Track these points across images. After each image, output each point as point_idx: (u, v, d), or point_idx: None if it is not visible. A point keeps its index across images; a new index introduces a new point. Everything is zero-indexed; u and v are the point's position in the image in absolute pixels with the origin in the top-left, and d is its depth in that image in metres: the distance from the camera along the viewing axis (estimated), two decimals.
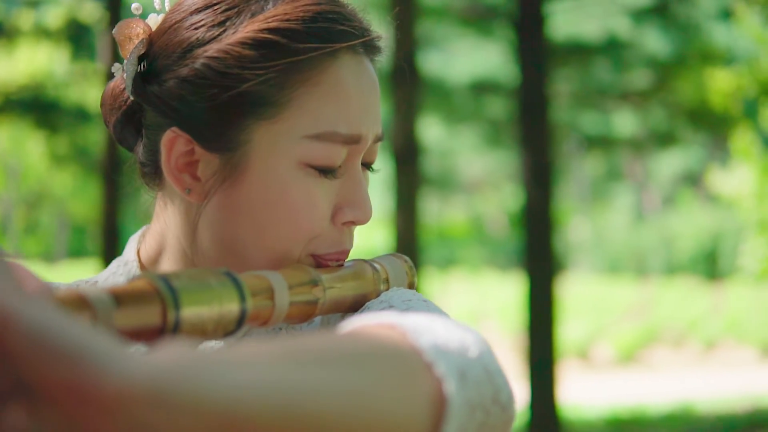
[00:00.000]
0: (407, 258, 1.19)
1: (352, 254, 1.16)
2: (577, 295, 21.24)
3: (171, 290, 0.83)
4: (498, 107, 14.39)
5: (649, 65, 13.49)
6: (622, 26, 13.89)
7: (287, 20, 1.07)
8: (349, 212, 1.12)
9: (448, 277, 25.72)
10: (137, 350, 0.64)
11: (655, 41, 14.46)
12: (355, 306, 1.10)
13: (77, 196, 25.57)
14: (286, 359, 0.71)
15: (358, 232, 1.19)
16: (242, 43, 1.07)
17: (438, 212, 30.02)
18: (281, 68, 1.07)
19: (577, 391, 14.23)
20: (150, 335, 0.82)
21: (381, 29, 1.16)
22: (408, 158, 9.66)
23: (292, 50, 1.07)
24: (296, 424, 0.69)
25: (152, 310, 0.82)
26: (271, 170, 1.07)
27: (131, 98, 1.13)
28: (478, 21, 12.07)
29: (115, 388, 0.60)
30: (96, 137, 13.01)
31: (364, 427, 0.75)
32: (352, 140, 1.10)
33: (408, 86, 9.39)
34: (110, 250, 10.26)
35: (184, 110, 1.09)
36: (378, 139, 1.14)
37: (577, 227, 31.66)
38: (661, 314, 22.05)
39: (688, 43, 13.72)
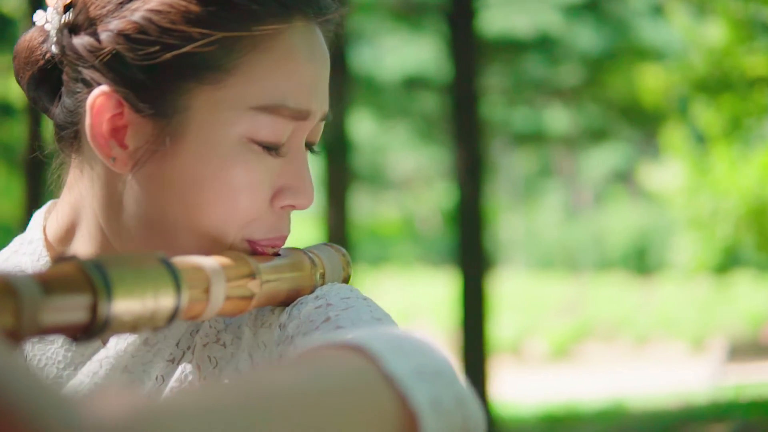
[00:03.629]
0: (344, 250, 1.10)
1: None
2: (510, 292, 21.30)
3: (104, 278, 0.72)
4: (430, 103, 14.34)
5: (581, 61, 13.52)
6: (553, 22, 13.93)
7: None
8: (290, 195, 1.00)
9: (379, 274, 25.68)
10: (77, 400, 0.53)
11: (586, 37, 14.50)
12: (287, 301, 1.00)
13: None
14: (244, 408, 0.62)
15: None
16: None
17: (369, 209, 29.97)
18: (232, 29, 0.95)
19: (509, 388, 14.22)
20: (75, 329, 0.72)
21: None
22: (339, 154, 9.62)
23: (246, 10, 0.95)
24: None
25: (82, 301, 0.71)
26: (211, 142, 0.95)
27: (52, 52, 1.00)
28: (410, 16, 12.01)
29: None
30: (19, 133, 12.73)
31: None
32: (301, 116, 0.99)
33: (338, 82, 9.27)
34: None
35: (117, 68, 0.95)
36: (324, 118, 1.05)
37: (509, 224, 31.80)
38: (592, 310, 22.23)
39: (620, 39, 13.80)
